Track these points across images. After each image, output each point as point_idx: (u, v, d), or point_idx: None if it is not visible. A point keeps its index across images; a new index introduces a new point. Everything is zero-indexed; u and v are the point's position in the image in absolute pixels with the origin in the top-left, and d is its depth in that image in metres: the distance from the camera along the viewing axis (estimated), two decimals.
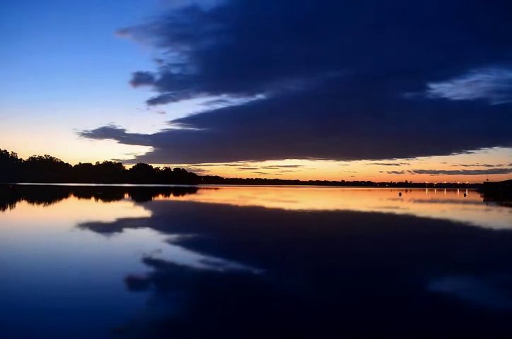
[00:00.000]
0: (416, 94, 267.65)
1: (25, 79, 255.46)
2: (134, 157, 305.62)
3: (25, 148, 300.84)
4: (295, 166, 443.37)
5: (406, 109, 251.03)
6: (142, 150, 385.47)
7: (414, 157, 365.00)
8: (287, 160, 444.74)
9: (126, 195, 51.36)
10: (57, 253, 9.60)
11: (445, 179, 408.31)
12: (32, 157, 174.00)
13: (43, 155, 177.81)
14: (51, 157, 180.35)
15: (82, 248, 10.26)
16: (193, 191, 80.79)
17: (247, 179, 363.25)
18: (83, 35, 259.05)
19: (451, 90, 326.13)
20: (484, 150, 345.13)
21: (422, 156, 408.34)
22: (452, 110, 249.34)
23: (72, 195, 46.13)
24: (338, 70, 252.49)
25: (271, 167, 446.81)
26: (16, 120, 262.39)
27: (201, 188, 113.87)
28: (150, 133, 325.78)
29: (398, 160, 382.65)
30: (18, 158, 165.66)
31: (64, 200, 36.35)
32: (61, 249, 10.12)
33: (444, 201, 50.03)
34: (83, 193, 52.64)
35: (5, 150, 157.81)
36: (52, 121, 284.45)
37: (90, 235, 12.73)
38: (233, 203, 38.14)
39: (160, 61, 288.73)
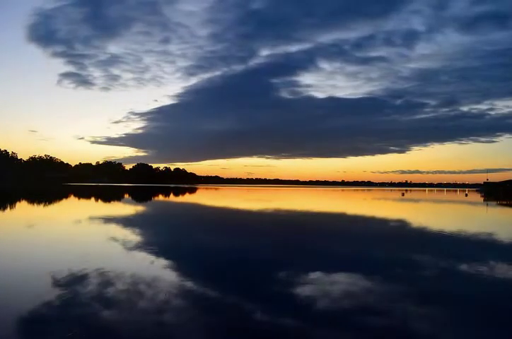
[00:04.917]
0: None
1: None
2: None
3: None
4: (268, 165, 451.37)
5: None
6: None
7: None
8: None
9: (116, 196, 50.76)
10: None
11: (444, 178, 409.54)
12: (32, 157, 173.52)
13: (43, 155, 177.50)
14: (51, 157, 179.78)
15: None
16: (187, 191, 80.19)
17: (247, 179, 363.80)
18: None
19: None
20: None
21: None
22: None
23: (65, 196, 45.57)
24: None
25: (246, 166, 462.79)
26: None
27: (200, 188, 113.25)
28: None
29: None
30: (18, 158, 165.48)
31: (54, 200, 35.78)
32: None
33: (450, 201, 49.29)
34: (74, 193, 52.09)
35: (5, 150, 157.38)
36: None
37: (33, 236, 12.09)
38: (217, 204, 37.53)
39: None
